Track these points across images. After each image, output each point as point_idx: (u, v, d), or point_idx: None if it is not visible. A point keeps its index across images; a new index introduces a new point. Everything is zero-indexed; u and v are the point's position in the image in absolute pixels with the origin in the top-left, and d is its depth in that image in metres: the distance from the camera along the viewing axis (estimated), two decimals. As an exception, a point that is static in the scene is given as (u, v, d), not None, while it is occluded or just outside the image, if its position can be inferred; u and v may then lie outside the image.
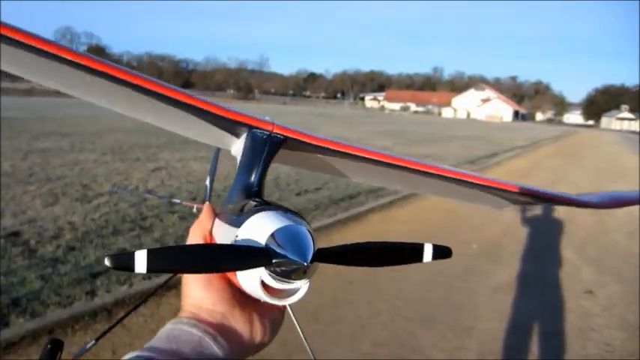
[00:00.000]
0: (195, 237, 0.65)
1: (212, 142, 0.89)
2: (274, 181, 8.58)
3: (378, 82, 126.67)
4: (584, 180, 12.01)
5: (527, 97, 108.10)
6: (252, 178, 0.68)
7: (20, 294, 3.51)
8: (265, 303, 0.61)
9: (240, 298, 0.59)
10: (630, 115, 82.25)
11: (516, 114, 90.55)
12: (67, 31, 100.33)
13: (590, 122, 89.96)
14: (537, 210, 8.02)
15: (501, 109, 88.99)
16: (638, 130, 61.61)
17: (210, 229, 0.65)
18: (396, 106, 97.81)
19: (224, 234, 0.60)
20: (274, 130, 0.71)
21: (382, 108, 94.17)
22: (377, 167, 0.80)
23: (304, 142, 0.73)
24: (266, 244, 0.52)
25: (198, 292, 0.58)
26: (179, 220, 5.62)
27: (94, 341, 0.67)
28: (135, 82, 0.64)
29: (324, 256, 0.53)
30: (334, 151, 0.75)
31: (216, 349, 0.54)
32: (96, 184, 7.21)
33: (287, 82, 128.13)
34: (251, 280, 0.54)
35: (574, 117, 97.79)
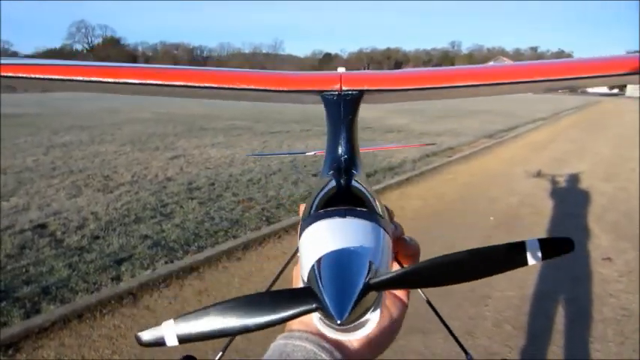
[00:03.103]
0: None
1: (312, 102, 0.85)
2: (291, 164, 8.64)
3: (395, 60, 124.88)
4: (607, 148, 11.75)
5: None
6: (339, 148, 0.61)
7: (50, 282, 3.67)
8: (385, 302, 0.57)
9: None
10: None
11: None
12: (82, 25, 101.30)
13: (615, 90, 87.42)
14: (557, 179, 7.91)
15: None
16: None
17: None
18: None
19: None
20: (344, 87, 0.62)
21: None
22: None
23: (386, 91, 0.64)
24: (308, 281, 0.44)
25: None
26: (199, 206, 5.75)
27: (221, 352, 0.61)
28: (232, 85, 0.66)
29: (379, 287, 0.43)
30: (429, 88, 0.64)
31: None
32: (117, 175, 7.39)
33: (302, 63, 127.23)
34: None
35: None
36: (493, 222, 5.57)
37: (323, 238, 0.47)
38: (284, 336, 0.51)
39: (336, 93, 0.62)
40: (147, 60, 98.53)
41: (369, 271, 0.44)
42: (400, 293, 0.59)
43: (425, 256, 0.60)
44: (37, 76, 0.66)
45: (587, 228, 5.44)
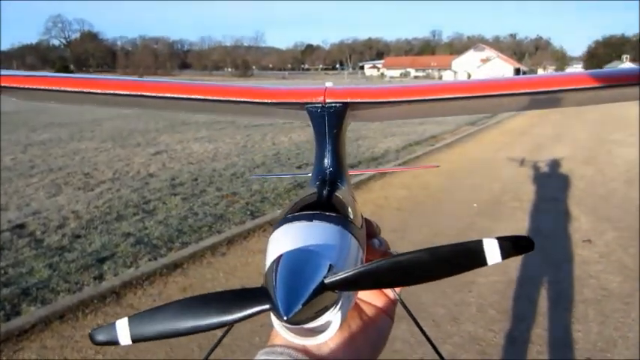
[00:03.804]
0: None
1: (300, 120, 0.83)
2: (275, 157, 8.62)
3: (377, 50, 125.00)
4: (585, 132, 11.93)
5: (528, 54, 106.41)
6: (325, 159, 0.62)
7: (30, 283, 3.60)
8: (370, 314, 0.56)
9: None
10: (632, 65, 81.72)
11: (517, 72, 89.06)
12: (58, 20, 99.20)
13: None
14: (538, 165, 8.01)
15: (502, 68, 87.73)
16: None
17: None
18: (396, 72, 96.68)
19: None
20: (327, 100, 0.63)
21: (382, 75, 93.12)
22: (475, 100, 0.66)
23: (370, 103, 0.65)
24: (265, 282, 0.43)
25: None
26: (182, 202, 5.69)
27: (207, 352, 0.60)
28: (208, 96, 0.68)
29: (334, 286, 0.42)
30: (412, 101, 0.65)
31: None
32: (97, 172, 7.27)
33: (284, 55, 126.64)
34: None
35: (576, 71, 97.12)
36: (476, 209, 5.63)
37: (285, 240, 0.47)
38: (265, 352, 0.49)
39: (320, 105, 0.63)
40: (126, 54, 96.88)
41: (328, 272, 0.42)
42: (386, 308, 0.58)
43: (411, 246, 0.60)
44: (37, 87, 0.69)
45: (568, 211, 5.53)
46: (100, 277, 3.75)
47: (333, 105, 0.63)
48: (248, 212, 5.33)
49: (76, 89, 0.69)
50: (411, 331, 3.00)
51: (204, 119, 14.53)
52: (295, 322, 0.41)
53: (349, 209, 0.55)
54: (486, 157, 9.00)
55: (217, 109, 0.76)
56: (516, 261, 4.11)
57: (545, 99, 0.70)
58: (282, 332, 0.45)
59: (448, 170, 7.69)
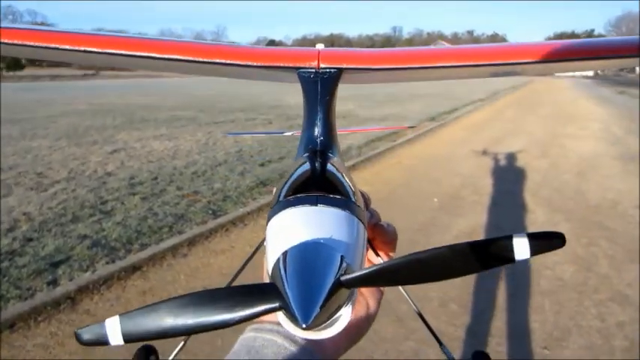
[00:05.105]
0: None
1: (287, 80, 0.77)
2: (237, 154, 8.50)
3: (339, 46, 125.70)
4: (539, 127, 12.36)
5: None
6: (315, 129, 0.58)
7: (-24, 292, 3.42)
8: (361, 290, 0.52)
9: None
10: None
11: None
12: (9, 11, 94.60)
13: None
14: (496, 158, 8.24)
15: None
16: (590, 74, 63.76)
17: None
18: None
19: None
20: (321, 65, 0.59)
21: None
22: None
23: (366, 69, 0.61)
24: (272, 277, 0.40)
25: None
26: (141, 201, 5.53)
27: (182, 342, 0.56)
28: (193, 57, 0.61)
29: (351, 284, 0.39)
30: (411, 68, 0.61)
31: None
32: (52, 171, 6.97)
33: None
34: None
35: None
36: (437, 203, 5.73)
37: (290, 229, 0.43)
38: (254, 328, 0.47)
39: (313, 70, 0.59)
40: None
41: (340, 266, 0.39)
42: (376, 290, 0.57)
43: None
44: (44, 45, 0.59)
45: (524, 204, 5.72)
46: (54, 282, 3.59)
47: (328, 70, 0.59)
48: (210, 211, 5.24)
49: (98, 50, 0.61)
50: (373, 329, 3.02)
51: (164, 116, 14.16)
52: (313, 327, 0.37)
53: (348, 185, 0.52)
54: (446, 152, 9.18)
55: (201, 71, 0.70)
56: (476, 254, 4.21)
57: (541, 68, 0.66)
58: (288, 327, 0.41)
59: (410, 166, 7.81)
